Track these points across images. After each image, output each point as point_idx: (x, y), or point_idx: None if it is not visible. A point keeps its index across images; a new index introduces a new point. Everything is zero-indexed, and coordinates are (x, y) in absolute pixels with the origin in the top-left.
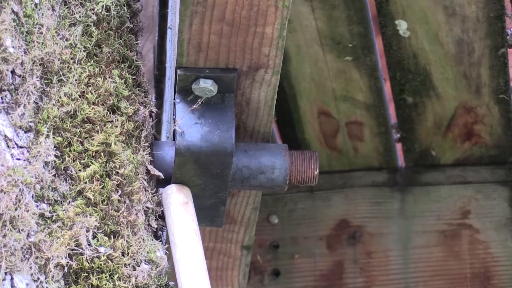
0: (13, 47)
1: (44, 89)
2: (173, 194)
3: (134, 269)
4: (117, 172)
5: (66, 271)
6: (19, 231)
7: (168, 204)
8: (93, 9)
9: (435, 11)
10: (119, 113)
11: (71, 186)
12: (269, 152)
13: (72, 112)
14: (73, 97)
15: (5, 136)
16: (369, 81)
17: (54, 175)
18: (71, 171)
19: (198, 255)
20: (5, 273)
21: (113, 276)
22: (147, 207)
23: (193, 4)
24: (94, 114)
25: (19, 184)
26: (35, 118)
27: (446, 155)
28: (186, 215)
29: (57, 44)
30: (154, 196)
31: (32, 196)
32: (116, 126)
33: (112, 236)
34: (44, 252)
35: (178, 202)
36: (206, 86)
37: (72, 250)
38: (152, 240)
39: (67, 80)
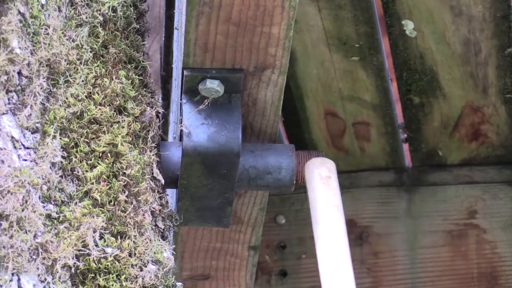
0: (19, 48)
1: (50, 90)
2: (316, 169)
3: (141, 270)
4: (124, 173)
5: (73, 271)
6: (26, 232)
7: (310, 179)
8: (100, 10)
9: (441, 11)
10: (126, 113)
11: (78, 187)
12: (276, 152)
13: (78, 113)
14: (79, 98)
15: (12, 137)
16: (375, 81)
17: (61, 176)
18: (78, 172)
19: (339, 232)
20: (12, 274)
21: (120, 277)
22: (154, 208)
23: (200, 4)
24: (101, 114)
25: (26, 185)
26: (41, 119)
27: (453, 155)
28: (327, 190)
29: (63, 45)
30: (161, 196)
31: (39, 197)
32: (123, 127)
33: (119, 237)
34: (51, 253)
35: (320, 177)
36: (213, 87)
37: (79, 250)
38: (159, 240)
39: (74, 81)
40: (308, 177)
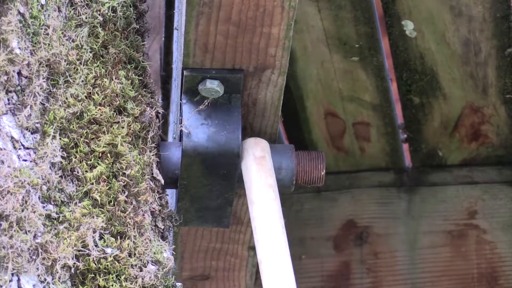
0: (19, 48)
1: (50, 90)
2: (250, 149)
3: (141, 270)
4: (124, 173)
5: (73, 272)
6: (26, 232)
7: (244, 159)
8: (99, 10)
9: (441, 11)
10: (126, 114)
11: (78, 187)
12: (276, 153)
13: (78, 113)
14: (79, 98)
15: (12, 137)
16: (375, 82)
17: (61, 176)
18: (78, 172)
19: (273, 211)
20: (12, 274)
21: (120, 277)
22: (153, 208)
23: (199, 5)
24: (101, 115)
25: (26, 185)
26: (41, 119)
27: (453, 156)
28: (261, 170)
29: (63, 45)
30: (161, 196)
31: (39, 197)
32: (123, 127)
33: (118, 237)
34: (51, 253)
35: (254, 157)
36: (213, 87)
37: (79, 251)
38: (159, 240)
39: (74, 81)
40: (242, 157)
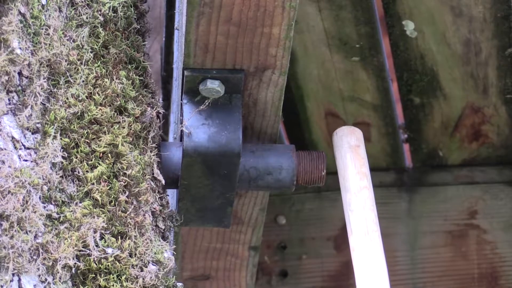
0: (20, 48)
1: (51, 90)
2: (344, 137)
3: (142, 270)
4: (124, 173)
5: (74, 272)
6: (27, 232)
7: (339, 147)
8: (100, 10)
9: (442, 11)
10: (126, 114)
11: (79, 187)
12: (276, 153)
13: (79, 113)
14: (80, 98)
15: (12, 137)
16: (376, 82)
17: (62, 176)
18: (79, 172)
19: (367, 199)
20: (13, 274)
21: (121, 277)
22: (154, 208)
23: (200, 5)
24: (101, 115)
25: (27, 185)
26: (42, 120)
27: (454, 156)
28: (356, 158)
29: (64, 45)
30: (161, 196)
31: (40, 197)
32: (123, 127)
33: (119, 237)
34: (51, 253)
35: (349, 145)
36: (213, 87)
37: (80, 251)
38: (160, 241)
39: (74, 81)
40: (336, 145)
